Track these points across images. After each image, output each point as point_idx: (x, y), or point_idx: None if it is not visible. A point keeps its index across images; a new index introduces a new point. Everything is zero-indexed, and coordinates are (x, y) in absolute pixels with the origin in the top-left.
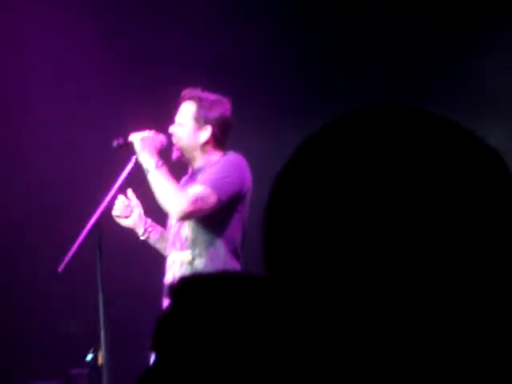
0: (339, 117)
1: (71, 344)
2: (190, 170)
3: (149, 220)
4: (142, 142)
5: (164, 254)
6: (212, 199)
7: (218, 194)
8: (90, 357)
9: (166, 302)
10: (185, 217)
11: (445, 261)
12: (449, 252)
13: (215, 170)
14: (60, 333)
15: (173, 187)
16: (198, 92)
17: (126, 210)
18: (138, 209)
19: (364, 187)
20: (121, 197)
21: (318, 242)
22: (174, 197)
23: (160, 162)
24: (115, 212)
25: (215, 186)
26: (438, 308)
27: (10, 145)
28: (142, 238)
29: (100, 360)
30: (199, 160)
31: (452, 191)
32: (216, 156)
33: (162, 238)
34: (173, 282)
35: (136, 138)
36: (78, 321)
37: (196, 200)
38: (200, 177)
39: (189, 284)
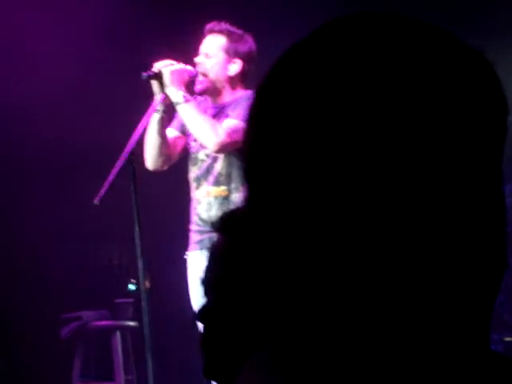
0: (328, 22)
1: (115, 275)
2: (210, 105)
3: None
4: (171, 75)
5: (154, 142)
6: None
7: None
8: (132, 287)
9: (196, 234)
10: (221, 148)
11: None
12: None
13: (247, 105)
14: (104, 264)
15: (207, 120)
16: (226, 25)
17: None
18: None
19: (351, 99)
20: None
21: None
22: (210, 129)
23: (188, 95)
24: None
25: None
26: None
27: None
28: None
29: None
30: (226, 95)
31: (443, 96)
32: (240, 92)
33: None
34: (221, 218)
35: (166, 69)
36: (124, 252)
37: (232, 132)
38: (230, 112)
39: (235, 220)
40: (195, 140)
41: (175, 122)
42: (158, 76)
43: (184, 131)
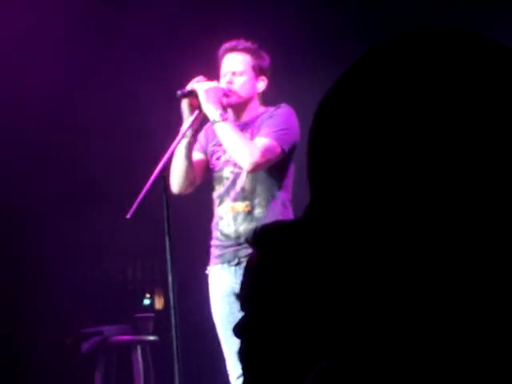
0: (386, 41)
1: (130, 290)
2: (233, 121)
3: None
4: (206, 93)
5: (181, 166)
6: (277, 150)
7: (282, 146)
8: (147, 302)
9: (217, 249)
10: (256, 168)
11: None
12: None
13: (275, 122)
14: (120, 279)
15: (243, 139)
16: (248, 43)
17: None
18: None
19: (413, 117)
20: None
21: (361, 177)
22: (245, 148)
23: (225, 114)
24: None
25: (279, 138)
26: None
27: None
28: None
29: (158, 305)
30: (250, 111)
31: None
32: (261, 108)
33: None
34: (255, 232)
35: (200, 87)
36: (137, 267)
37: (266, 151)
38: (256, 129)
39: (271, 233)
40: (218, 159)
41: (198, 145)
42: (193, 94)
43: (207, 152)
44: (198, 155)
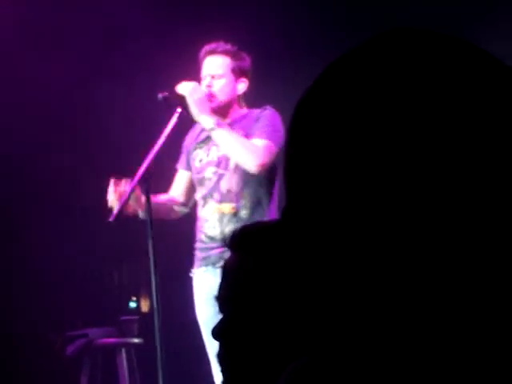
0: (368, 40)
1: (116, 293)
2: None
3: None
4: (196, 103)
5: (163, 215)
6: (274, 150)
7: (277, 146)
8: (133, 304)
9: (201, 251)
10: (263, 168)
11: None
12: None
13: (265, 123)
14: (106, 282)
15: (244, 142)
16: (227, 45)
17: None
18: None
19: (395, 118)
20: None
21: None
22: (250, 151)
23: (219, 119)
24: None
25: (273, 139)
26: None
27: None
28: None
29: (144, 307)
30: (232, 113)
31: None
32: (244, 109)
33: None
34: (233, 234)
35: (190, 97)
36: (123, 270)
37: (267, 152)
38: (240, 129)
39: (249, 236)
40: (200, 161)
41: (182, 161)
42: (177, 99)
43: (190, 167)
44: (184, 174)
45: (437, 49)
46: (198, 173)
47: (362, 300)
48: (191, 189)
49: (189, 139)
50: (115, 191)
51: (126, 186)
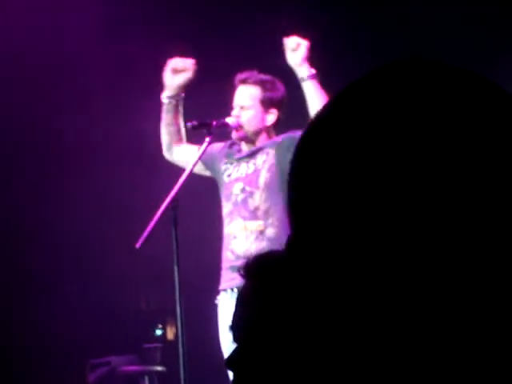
0: (372, 72)
1: (141, 320)
2: (240, 148)
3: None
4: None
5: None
6: None
7: None
8: (159, 332)
9: (229, 271)
10: None
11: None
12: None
13: (287, 133)
14: (131, 309)
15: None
16: (259, 75)
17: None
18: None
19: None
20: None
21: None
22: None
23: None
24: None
25: None
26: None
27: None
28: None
29: (169, 335)
30: (261, 141)
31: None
32: (274, 137)
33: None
34: (247, 262)
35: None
36: (149, 297)
37: None
38: (264, 154)
39: (263, 265)
40: (229, 176)
41: (208, 153)
42: (208, 127)
43: (211, 162)
44: (194, 151)
45: (445, 84)
46: (227, 188)
47: (367, 336)
48: (188, 155)
49: (221, 146)
50: (172, 70)
51: (181, 62)
